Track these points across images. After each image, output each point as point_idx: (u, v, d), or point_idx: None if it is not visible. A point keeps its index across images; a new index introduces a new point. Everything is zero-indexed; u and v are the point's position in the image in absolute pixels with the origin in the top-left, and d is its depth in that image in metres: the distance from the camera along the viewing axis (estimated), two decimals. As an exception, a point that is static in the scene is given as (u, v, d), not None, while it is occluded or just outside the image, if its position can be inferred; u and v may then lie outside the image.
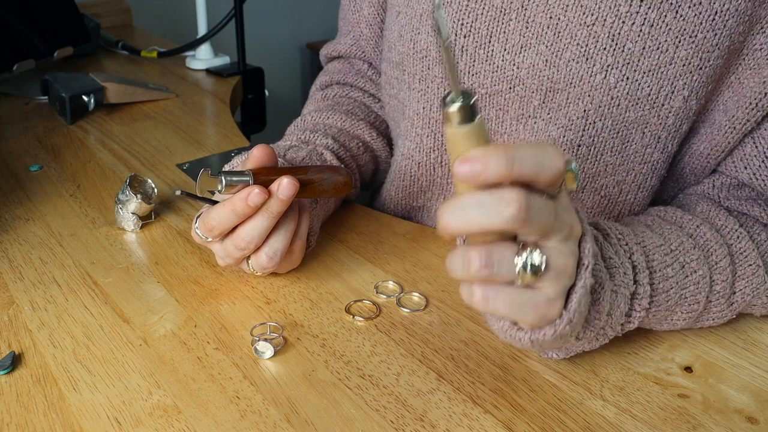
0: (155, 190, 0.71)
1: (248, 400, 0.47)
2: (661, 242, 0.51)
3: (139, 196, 0.67)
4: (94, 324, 0.55)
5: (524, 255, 0.39)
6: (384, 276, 0.61)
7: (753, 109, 0.54)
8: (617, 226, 0.51)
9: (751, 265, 0.52)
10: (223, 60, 1.27)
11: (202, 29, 1.28)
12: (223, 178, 0.52)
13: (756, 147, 0.56)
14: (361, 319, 0.56)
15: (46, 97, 1.06)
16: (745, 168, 0.57)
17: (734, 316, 0.54)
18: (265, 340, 0.52)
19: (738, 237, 0.53)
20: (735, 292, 0.52)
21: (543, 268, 0.39)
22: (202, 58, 1.26)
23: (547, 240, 0.40)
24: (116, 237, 0.68)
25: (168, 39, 1.46)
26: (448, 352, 0.52)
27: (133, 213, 0.68)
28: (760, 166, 0.56)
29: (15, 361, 0.51)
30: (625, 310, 0.48)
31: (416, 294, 0.59)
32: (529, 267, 0.39)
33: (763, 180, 0.56)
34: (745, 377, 0.50)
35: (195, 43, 1.26)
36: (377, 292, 0.59)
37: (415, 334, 0.54)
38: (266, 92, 1.31)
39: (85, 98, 0.99)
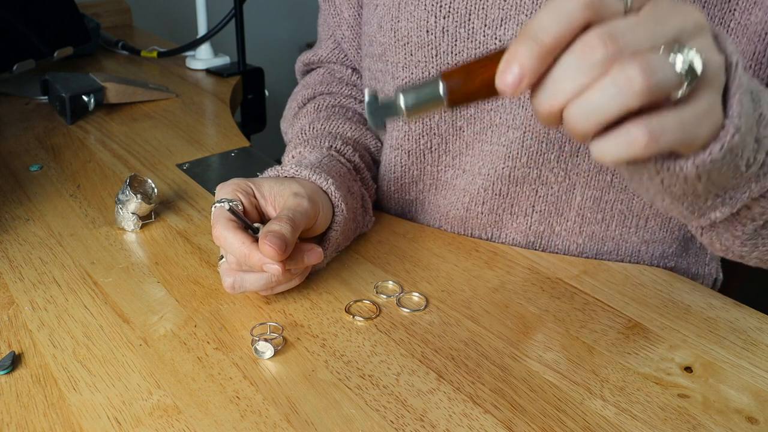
0: (155, 190, 0.71)
1: (248, 400, 0.47)
2: None
3: (139, 196, 0.67)
4: (94, 324, 0.55)
5: (682, 54, 0.32)
6: (384, 276, 0.61)
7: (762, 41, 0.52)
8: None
9: None
10: (223, 60, 1.27)
11: (202, 29, 1.28)
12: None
13: None
14: (361, 319, 0.56)
15: (46, 97, 1.06)
16: None
17: None
18: (265, 340, 0.52)
19: None
20: None
21: (701, 66, 0.33)
22: (202, 58, 1.26)
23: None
24: (116, 237, 0.68)
25: (168, 39, 1.46)
26: (448, 352, 0.52)
27: (133, 213, 0.68)
28: None
29: (15, 361, 0.51)
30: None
31: (416, 294, 0.59)
32: (690, 67, 0.32)
33: None
34: (745, 377, 0.50)
35: (195, 43, 1.26)
36: (377, 292, 0.59)
37: (415, 334, 0.54)
38: (266, 92, 1.31)
39: (85, 98, 0.98)
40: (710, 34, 0.36)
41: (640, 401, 0.48)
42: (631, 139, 0.33)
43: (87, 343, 0.53)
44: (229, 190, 0.56)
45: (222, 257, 0.57)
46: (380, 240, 0.67)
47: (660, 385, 0.49)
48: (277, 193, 0.57)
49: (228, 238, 0.53)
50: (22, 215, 0.72)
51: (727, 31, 0.54)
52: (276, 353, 0.51)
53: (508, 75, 0.33)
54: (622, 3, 0.34)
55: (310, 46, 2.36)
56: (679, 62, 0.32)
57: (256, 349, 0.51)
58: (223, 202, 0.54)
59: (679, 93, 0.33)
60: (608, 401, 0.48)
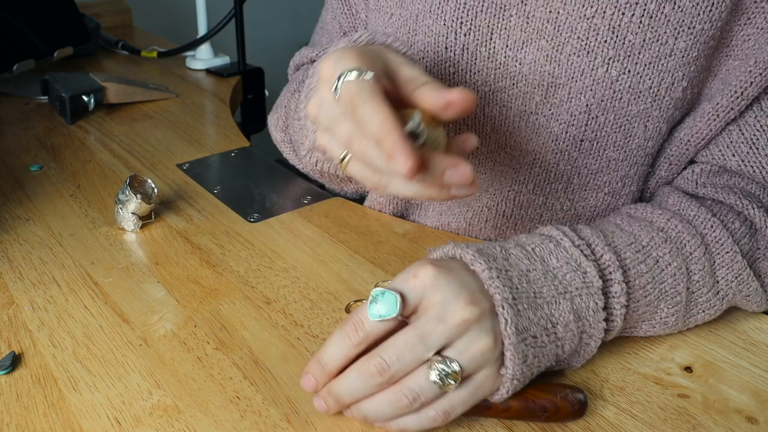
0: (155, 190, 0.71)
1: (248, 400, 0.47)
2: (631, 240, 0.50)
3: (139, 196, 0.67)
4: (94, 324, 0.55)
5: (434, 370, 0.41)
6: (384, 276, 0.61)
7: (738, 97, 0.54)
8: (585, 231, 0.50)
9: (728, 252, 0.52)
10: (223, 60, 1.27)
11: (202, 29, 1.28)
12: None
13: (742, 134, 0.56)
14: (361, 319, 0.56)
15: (46, 97, 1.06)
16: (733, 155, 0.57)
17: (725, 306, 0.53)
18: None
19: (711, 226, 0.53)
20: (718, 281, 0.52)
21: (459, 370, 0.41)
22: (202, 58, 1.26)
23: (443, 350, 0.41)
24: (116, 237, 0.68)
25: (168, 39, 1.46)
26: (448, 352, 0.52)
27: (133, 213, 0.68)
28: (748, 152, 0.56)
29: (15, 361, 0.51)
30: (601, 305, 0.46)
31: (416, 294, 0.59)
32: (447, 378, 0.41)
33: (752, 166, 0.56)
34: (745, 377, 0.50)
35: (195, 43, 1.26)
36: (377, 292, 0.59)
37: (415, 334, 0.54)
38: (266, 92, 1.31)
39: (85, 98, 0.98)
40: (476, 322, 0.42)
41: (640, 401, 0.48)
42: (430, 418, 0.42)
43: (87, 343, 0.53)
44: (354, 59, 0.44)
45: (345, 156, 0.46)
46: (380, 240, 0.67)
47: (660, 385, 0.49)
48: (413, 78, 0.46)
49: (371, 107, 0.41)
50: (22, 215, 0.72)
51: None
52: (273, 351, 0.51)
53: (305, 380, 0.45)
54: (384, 327, 0.42)
55: (310, 46, 2.36)
56: (434, 376, 0.41)
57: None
58: (361, 71, 0.43)
59: (449, 389, 0.41)
60: (608, 401, 0.48)
